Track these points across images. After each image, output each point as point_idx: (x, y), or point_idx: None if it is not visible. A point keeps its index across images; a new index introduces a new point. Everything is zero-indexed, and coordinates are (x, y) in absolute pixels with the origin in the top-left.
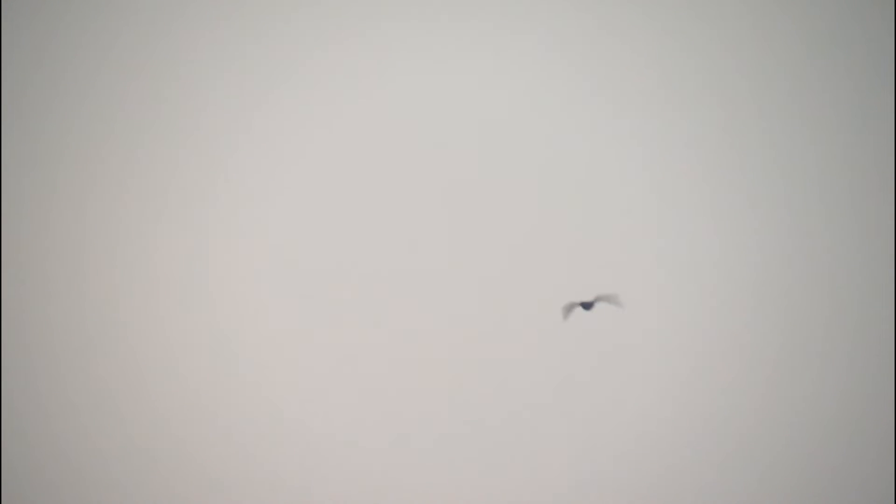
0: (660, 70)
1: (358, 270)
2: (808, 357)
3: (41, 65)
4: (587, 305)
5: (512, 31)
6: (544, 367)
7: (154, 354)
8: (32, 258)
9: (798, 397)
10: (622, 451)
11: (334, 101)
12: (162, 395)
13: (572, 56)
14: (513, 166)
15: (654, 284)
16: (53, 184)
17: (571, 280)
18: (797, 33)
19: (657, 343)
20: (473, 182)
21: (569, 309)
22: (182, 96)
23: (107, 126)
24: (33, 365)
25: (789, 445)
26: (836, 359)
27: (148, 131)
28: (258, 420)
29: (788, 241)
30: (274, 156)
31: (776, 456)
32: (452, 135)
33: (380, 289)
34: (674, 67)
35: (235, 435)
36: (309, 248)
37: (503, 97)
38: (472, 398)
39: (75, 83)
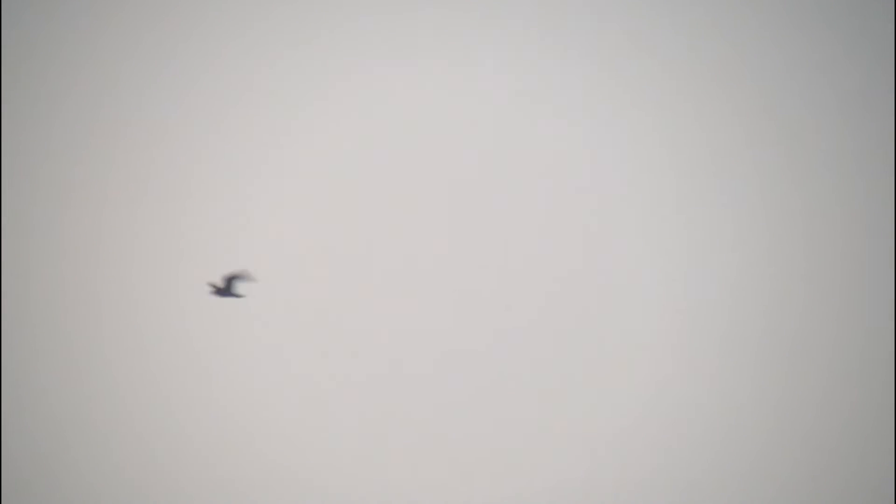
0: (660, 69)
1: (355, 270)
2: (806, 357)
3: (40, 70)
4: (226, 291)
5: (510, 27)
6: (540, 366)
7: (150, 355)
8: (31, 260)
9: (798, 398)
10: (620, 450)
11: (332, 101)
12: (159, 396)
13: (574, 55)
14: (511, 167)
15: (651, 284)
16: (50, 187)
17: (569, 280)
18: (798, 31)
19: (654, 343)
20: (472, 182)
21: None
22: (180, 98)
23: (104, 129)
24: (32, 367)
25: (789, 446)
26: (835, 360)
27: (144, 134)
28: (254, 420)
29: (787, 240)
30: (270, 157)
31: (776, 457)
32: (449, 135)
33: (377, 289)
34: (677, 69)
35: (233, 435)
36: (304, 249)
37: (501, 98)
38: (468, 398)
39: (73, 85)
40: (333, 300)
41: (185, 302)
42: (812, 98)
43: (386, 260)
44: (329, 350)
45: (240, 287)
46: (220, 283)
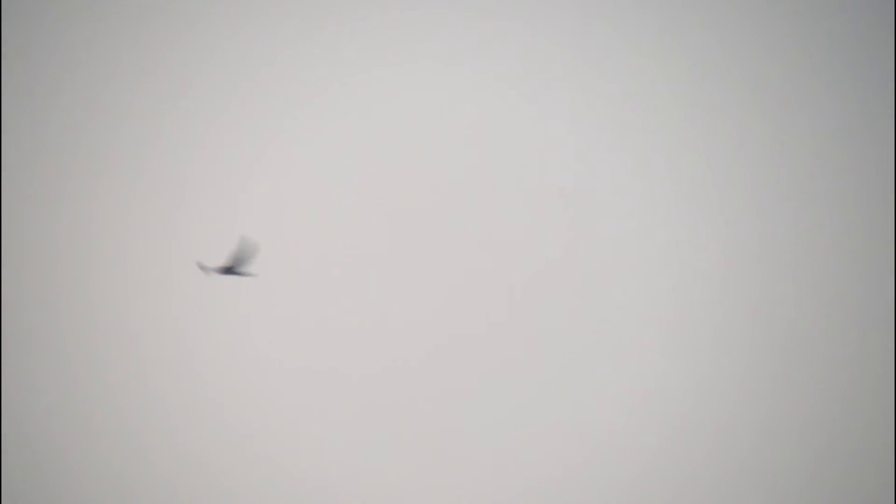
0: (659, 69)
1: (351, 268)
2: (801, 356)
3: (43, 68)
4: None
5: (509, 27)
6: (539, 367)
7: (152, 354)
8: (33, 258)
9: (798, 398)
10: (615, 448)
11: (332, 101)
12: (160, 395)
13: (573, 55)
14: (509, 167)
15: (645, 281)
16: (49, 186)
17: (566, 282)
18: (796, 35)
19: (648, 340)
20: (467, 184)
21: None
22: (179, 98)
23: (104, 129)
24: (33, 365)
25: (786, 445)
26: (832, 358)
27: (143, 133)
28: (252, 419)
29: (783, 239)
30: (269, 157)
31: (772, 455)
32: (447, 134)
33: (372, 286)
34: (669, 71)
35: (234, 435)
36: (302, 248)
37: (500, 98)
38: (463, 396)
39: (71, 84)
40: (330, 298)
41: (183, 301)
42: (812, 97)
43: (382, 259)
44: (326, 347)
45: (246, 265)
46: (226, 263)
